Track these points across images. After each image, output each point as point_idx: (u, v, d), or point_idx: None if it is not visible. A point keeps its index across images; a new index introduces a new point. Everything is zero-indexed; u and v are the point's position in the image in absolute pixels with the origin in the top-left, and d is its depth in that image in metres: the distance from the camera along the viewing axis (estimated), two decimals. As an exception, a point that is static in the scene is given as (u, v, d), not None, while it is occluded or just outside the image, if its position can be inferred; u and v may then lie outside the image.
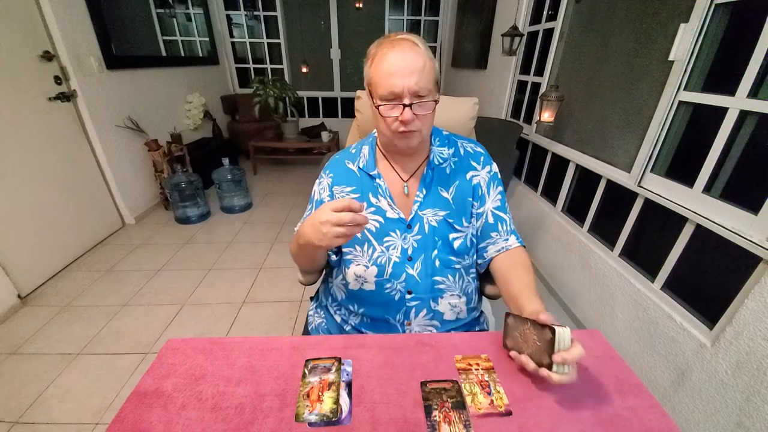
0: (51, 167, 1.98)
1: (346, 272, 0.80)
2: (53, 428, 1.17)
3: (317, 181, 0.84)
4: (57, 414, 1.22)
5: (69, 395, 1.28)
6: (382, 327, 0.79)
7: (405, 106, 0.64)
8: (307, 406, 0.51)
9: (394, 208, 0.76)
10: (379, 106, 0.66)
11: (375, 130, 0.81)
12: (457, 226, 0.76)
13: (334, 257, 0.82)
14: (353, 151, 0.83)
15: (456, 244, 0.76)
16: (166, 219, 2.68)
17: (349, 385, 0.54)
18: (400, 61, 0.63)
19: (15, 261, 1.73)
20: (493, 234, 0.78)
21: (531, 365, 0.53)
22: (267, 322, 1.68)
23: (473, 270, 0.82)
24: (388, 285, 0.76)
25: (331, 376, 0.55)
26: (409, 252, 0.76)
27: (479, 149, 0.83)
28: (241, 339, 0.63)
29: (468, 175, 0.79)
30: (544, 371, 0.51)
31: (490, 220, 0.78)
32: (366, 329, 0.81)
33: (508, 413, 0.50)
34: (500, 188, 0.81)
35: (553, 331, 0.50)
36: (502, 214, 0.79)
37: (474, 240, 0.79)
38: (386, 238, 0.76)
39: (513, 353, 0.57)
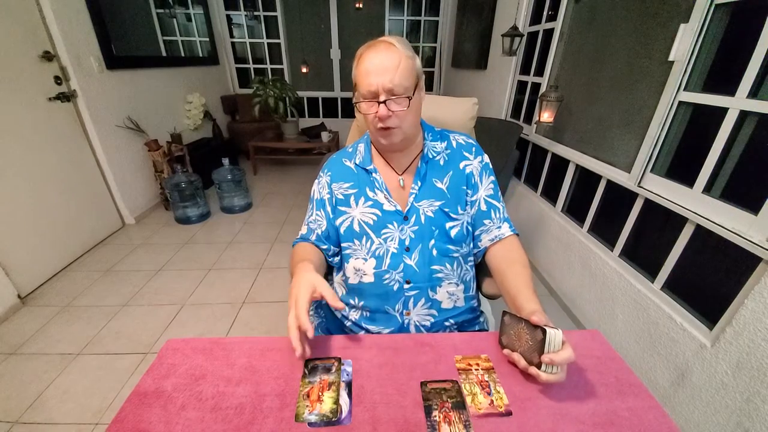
0: (51, 167, 1.98)
1: (346, 267, 0.82)
2: (53, 428, 1.17)
3: (316, 181, 0.86)
4: (57, 414, 1.22)
5: (69, 395, 1.28)
6: (382, 318, 0.80)
7: (380, 102, 0.67)
8: (307, 406, 0.51)
9: (391, 200, 0.78)
10: (357, 103, 0.71)
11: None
12: (452, 215, 0.78)
13: (336, 259, 0.84)
14: (350, 150, 0.86)
15: (453, 233, 0.78)
16: (166, 219, 2.68)
17: (349, 385, 0.54)
18: (375, 60, 0.66)
19: (15, 261, 1.73)
20: (486, 221, 0.80)
21: (522, 363, 0.55)
22: (267, 322, 1.68)
23: (471, 258, 0.84)
24: (386, 276, 0.77)
25: (331, 376, 0.55)
26: (407, 243, 0.77)
27: (471, 141, 0.85)
28: (241, 339, 0.63)
29: (461, 165, 0.80)
30: (533, 370, 0.53)
31: (483, 207, 0.80)
32: (366, 323, 0.81)
33: (508, 413, 0.50)
34: (492, 177, 0.83)
35: (544, 332, 0.52)
36: (494, 202, 0.81)
37: (470, 228, 0.81)
38: (384, 231, 0.78)
39: (506, 351, 0.59)
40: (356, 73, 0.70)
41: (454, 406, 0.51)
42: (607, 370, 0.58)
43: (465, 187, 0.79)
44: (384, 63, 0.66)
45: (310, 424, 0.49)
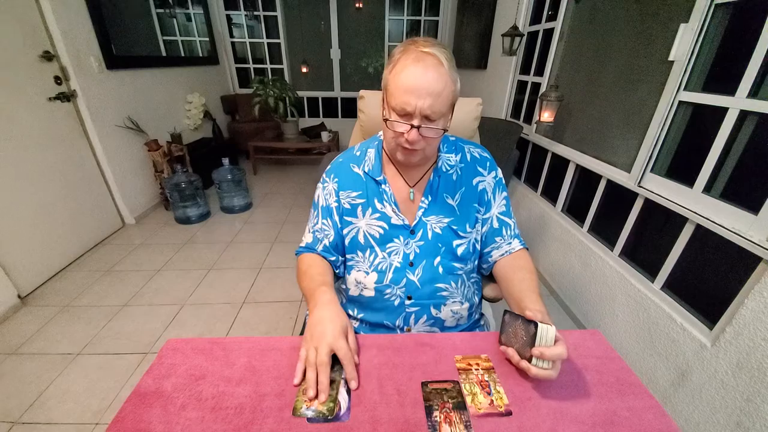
0: (51, 167, 1.98)
1: (347, 278, 0.80)
2: (53, 428, 1.17)
3: (320, 185, 0.81)
4: (57, 414, 1.22)
5: (69, 395, 1.28)
6: (381, 332, 0.79)
7: (413, 126, 0.62)
8: (305, 401, 0.51)
9: (399, 214, 0.75)
10: (387, 119, 0.65)
11: (381, 132, 0.80)
12: (460, 233, 0.76)
13: (342, 268, 0.81)
14: (358, 153, 0.80)
15: (459, 251, 0.76)
16: (166, 219, 2.68)
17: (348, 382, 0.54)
18: (419, 79, 0.59)
19: (15, 261, 1.73)
20: (498, 239, 0.79)
21: (515, 358, 0.55)
22: (267, 322, 1.68)
23: (474, 274, 0.82)
24: (387, 291, 0.76)
25: (332, 374, 0.55)
26: (411, 257, 0.75)
27: (485, 154, 0.82)
28: (241, 339, 0.63)
29: (474, 181, 0.78)
30: (524, 363, 0.53)
31: (495, 225, 0.79)
32: (365, 333, 0.80)
33: (508, 413, 0.50)
34: (504, 193, 0.81)
35: (536, 326, 0.52)
36: (506, 219, 0.79)
37: (476, 245, 0.79)
38: (389, 244, 0.76)
39: (502, 347, 0.59)
40: (390, 78, 0.63)
41: (455, 406, 0.51)
42: (607, 370, 0.58)
43: (477, 205, 0.78)
44: (429, 86, 0.59)
45: (309, 419, 0.49)
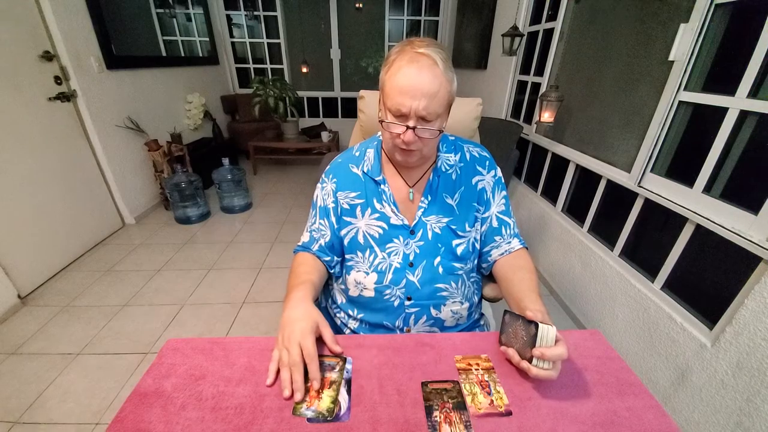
0: (51, 167, 1.98)
1: (347, 278, 0.80)
2: (53, 428, 1.17)
3: (319, 185, 0.81)
4: (57, 414, 1.22)
5: (69, 395, 1.28)
6: (381, 333, 0.79)
7: (408, 127, 0.62)
8: (306, 401, 0.51)
9: (398, 214, 0.75)
10: (382, 121, 0.65)
11: (380, 132, 0.80)
12: (459, 233, 0.76)
13: (338, 268, 0.81)
14: (357, 153, 0.80)
15: (459, 250, 0.76)
16: (166, 219, 2.68)
17: (348, 382, 0.54)
18: (414, 80, 0.59)
19: (15, 261, 1.73)
20: (497, 238, 0.78)
21: (515, 358, 0.55)
22: (267, 322, 1.68)
23: (474, 274, 0.82)
24: (387, 291, 0.76)
25: (333, 375, 0.55)
26: (411, 258, 0.75)
27: (485, 153, 0.82)
28: (241, 339, 0.63)
29: (473, 180, 0.78)
30: (524, 364, 0.53)
31: (495, 224, 0.78)
32: (365, 333, 0.80)
33: (508, 413, 0.50)
34: (504, 192, 0.81)
35: (537, 326, 0.52)
36: (506, 218, 0.79)
37: (476, 244, 0.79)
38: (389, 245, 0.75)
39: (503, 347, 0.59)
40: (386, 80, 0.63)
41: (455, 406, 0.51)
42: (607, 370, 0.58)
43: (476, 204, 0.77)
44: (423, 86, 0.59)
45: (309, 419, 0.49)
